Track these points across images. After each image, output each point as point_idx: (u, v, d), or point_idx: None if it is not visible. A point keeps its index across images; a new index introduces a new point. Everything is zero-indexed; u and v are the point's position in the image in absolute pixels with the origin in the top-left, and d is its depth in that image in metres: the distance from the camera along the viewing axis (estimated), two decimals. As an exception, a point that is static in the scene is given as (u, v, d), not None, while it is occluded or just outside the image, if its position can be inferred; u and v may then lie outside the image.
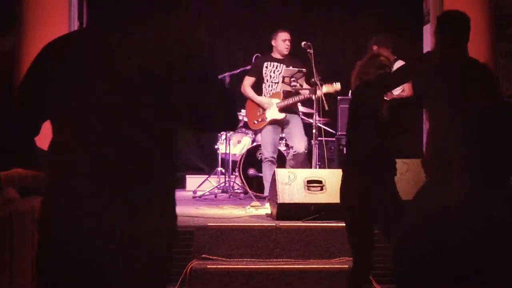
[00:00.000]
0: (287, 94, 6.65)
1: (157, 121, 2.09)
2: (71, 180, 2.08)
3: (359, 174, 3.95)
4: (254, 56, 7.48)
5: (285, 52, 6.68)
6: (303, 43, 6.47)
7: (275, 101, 6.68)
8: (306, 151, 6.47)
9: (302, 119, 6.87)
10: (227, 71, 7.73)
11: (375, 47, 6.65)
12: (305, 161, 6.62)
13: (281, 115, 6.65)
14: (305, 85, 6.62)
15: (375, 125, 3.95)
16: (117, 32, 2.14)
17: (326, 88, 6.50)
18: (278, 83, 6.69)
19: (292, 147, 6.62)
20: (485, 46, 6.90)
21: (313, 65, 6.35)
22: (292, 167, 6.41)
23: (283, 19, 8.89)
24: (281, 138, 7.33)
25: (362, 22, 8.60)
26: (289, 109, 6.68)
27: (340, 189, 4.06)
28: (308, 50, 6.41)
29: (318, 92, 6.33)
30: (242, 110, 8.05)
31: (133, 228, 2.07)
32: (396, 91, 6.48)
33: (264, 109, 6.68)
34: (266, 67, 6.74)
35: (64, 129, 2.12)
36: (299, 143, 6.48)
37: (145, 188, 2.09)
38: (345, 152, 4.20)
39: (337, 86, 6.57)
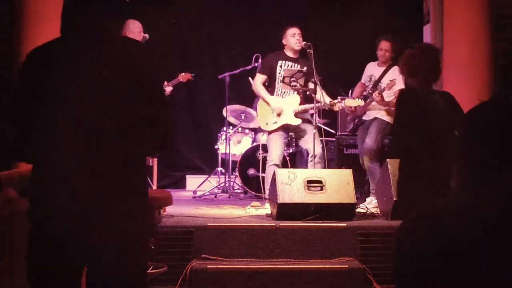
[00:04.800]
0: (304, 100, 6.47)
1: (124, 121, 2.31)
2: (56, 180, 2.27)
3: (418, 169, 4.03)
4: (254, 56, 7.48)
5: (297, 47, 6.44)
6: (303, 43, 6.45)
7: (292, 105, 6.45)
8: (322, 152, 6.28)
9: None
10: (227, 71, 7.73)
11: (386, 44, 6.62)
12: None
13: (297, 121, 6.40)
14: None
15: (428, 119, 3.98)
16: (93, 41, 2.33)
17: (348, 102, 6.42)
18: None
19: (308, 152, 6.38)
20: (485, 46, 6.91)
21: (313, 65, 6.33)
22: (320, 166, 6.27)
23: (283, 19, 8.91)
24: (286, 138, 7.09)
25: (362, 22, 8.61)
26: (304, 117, 6.47)
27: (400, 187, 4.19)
28: (308, 50, 6.38)
29: (318, 93, 6.29)
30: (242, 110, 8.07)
31: (105, 224, 2.27)
32: (389, 97, 6.48)
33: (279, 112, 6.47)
34: (280, 66, 6.48)
35: (44, 132, 2.29)
36: (316, 147, 6.21)
37: (117, 183, 2.30)
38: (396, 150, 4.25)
39: (360, 102, 6.49)
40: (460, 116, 4.17)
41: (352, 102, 6.49)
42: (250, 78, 7.31)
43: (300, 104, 6.45)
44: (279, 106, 6.44)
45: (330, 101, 6.30)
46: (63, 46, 2.38)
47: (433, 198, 3.86)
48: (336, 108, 6.36)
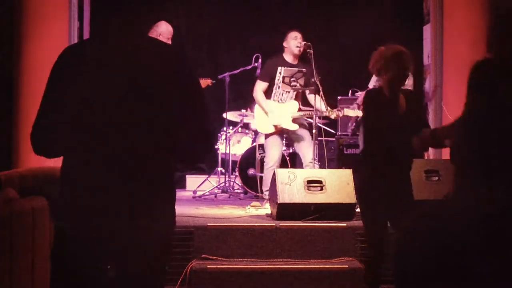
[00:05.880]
0: (302, 105, 6.50)
1: (154, 125, 2.28)
2: (64, 180, 2.27)
3: (375, 168, 4.04)
4: (254, 56, 7.47)
5: (297, 51, 6.46)
6: (303, 43, 6.45)
7: (290, 110, 6.48)
8: (314, 161, 6.30)
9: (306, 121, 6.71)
10: (227, 71, 7.73)
11: None
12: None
13: (294, 127, 6.45)
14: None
15: (390, 120, 4.00)
16: (117, 43, 2.32)
17: (347, 112, 6.45)
18: (289, 91, 6.52)
19: (302, 158, 6.48)
20: (485, 46, 6.90)
21: (313, 65, 6.33)
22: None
23: (283, 19, 8.92)
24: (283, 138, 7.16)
25: (362, 22, 8.61)
26: (301, 122, 6.53)
27: (356, 183, 4.18)
28: (308, 50, 6.39)
29: (317, 98, 6.33)
30: (242, 110, 8.07)
31: (134, 228, 2.24)
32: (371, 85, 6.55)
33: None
34: (280, 72, 6.50)
35: (74, 132, 2.28)
36: (307, 155, 6.32)
37: (148, 187, 2.27)
38: (361, 147, 4.29)
39: (359, 112, 6.52)
40: (419, 118, 4.23)
41: (350, 112, 6.52)
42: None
43: (299, 110, 6.48)
44: (277, 121, 6.45)
45: (328, 110, 6.31)
46: (93, 47, 2.37)
47: (390, 199, 3.93)
48: (332, 117, 6.38)
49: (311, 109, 6.45)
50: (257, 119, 6.69)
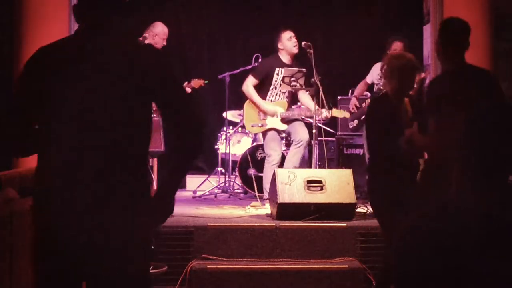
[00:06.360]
0: (291, 104, 6.55)
1: (133, 120, 2.30)
2: (60, 178, 2.24)
3: (386, 173, 4.06)
4: (254, 56, 7.47)
5: (295, 50, 6.45)
6: (303, 43, 6.44)
7: (279, 110, 6.48)
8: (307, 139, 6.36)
9: (302, 119, 6.76)
10: (227, 71, 7.73)
11: (399, 44, 6.64)
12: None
13: (283, 127, 6.47)
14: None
15: (395, 127, 4.04)
16: (100, 40, 2.32)
17: (335, 113, 6.47)
18: (285, 92, 6.54)
19: (295, 140, 6.47)
20: (485, 46, 6.91)
21: (313, 65, 6.33)
22: (300, 157, 6.33)
23: (283, 19, 8.92)
24: (281, 138, 7.22)
25: (362, 22, 8.61)
26: (289, 120, 6.57)
27: (369, 189, 4.28)
28: (308, 50, 6.38)
29: (307, 98, 6.43)
30: (242, 110, 8.07)
31: (134, 226, 2.26)
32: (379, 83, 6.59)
33: (265, 115, 6.50)
34: (277, 73, 6.48)
35: (50, 127, 2.28)
36: (303, 133, 6.35)
37: (147, 186, 2.33)
38: (369, 153, 4.35)
39: (346, 113, 6.54)
40: (425, 121, 4.26)
41: (338, 113, 6.54)
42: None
43: (287, 108, 6.50)
44: (274, 109, 6.47)
45: (318, 109, 6.31)
46: (71, 43, 2.38)
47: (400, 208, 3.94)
48: (321, 117, 6.39)
49: (300, 112, 6.58)
50: (245, 117, 6.71)
